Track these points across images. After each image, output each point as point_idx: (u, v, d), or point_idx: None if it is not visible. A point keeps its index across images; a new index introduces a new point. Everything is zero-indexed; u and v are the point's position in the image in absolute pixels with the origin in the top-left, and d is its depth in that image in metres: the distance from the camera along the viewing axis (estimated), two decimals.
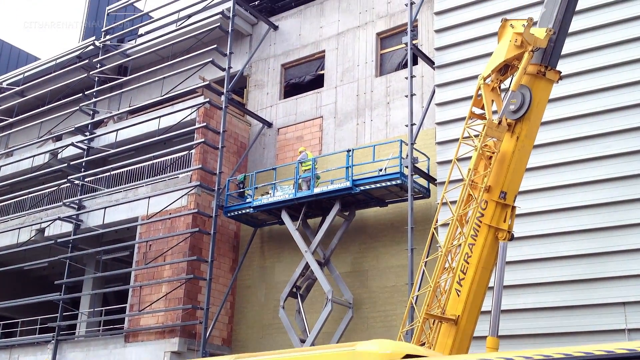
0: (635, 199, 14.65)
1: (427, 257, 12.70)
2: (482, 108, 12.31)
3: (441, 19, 18.56)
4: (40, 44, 75.87)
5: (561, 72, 12.54)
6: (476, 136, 12.24)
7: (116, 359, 21.00)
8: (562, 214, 15.27)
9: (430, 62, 18.98)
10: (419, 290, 12.86)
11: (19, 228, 25.26)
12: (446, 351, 11.40)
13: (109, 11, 27.54)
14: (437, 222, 13.25)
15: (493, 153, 12.00)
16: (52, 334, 23.22)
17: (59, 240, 23.86)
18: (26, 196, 26.65)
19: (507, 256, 11.95)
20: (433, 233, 12.86)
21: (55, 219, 23.94)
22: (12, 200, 27.08)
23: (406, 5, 19.06)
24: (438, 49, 18.38)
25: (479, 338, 12.18)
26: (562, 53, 12.69)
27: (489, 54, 12.98)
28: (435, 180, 17.77)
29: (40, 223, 24.67)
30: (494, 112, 12.11)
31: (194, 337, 20.25)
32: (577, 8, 12.93)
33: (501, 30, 12.45)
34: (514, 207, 12.09)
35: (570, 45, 14.33)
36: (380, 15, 21.83)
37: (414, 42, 18.65)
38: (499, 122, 11.95)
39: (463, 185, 12.10)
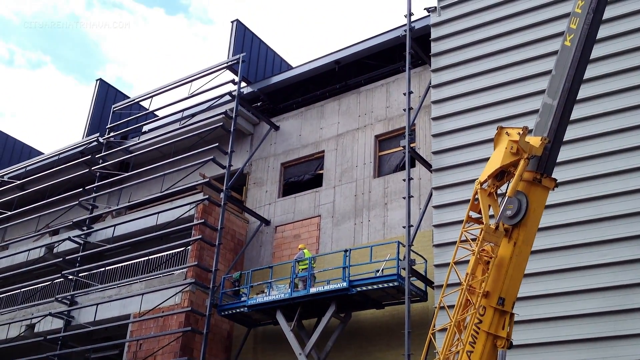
0: (634, 308, 14.46)
1: None
2: (479, 212, 12.35)
3: (438, 124, 19.01)
4: (44, 138, 77.24)
5: (557, 180, 12.68)
6: (473, 240, 12.20)
7: None
8: (561, 322, 15.06)
9: (427, 165, 19.26)
10: None
11: (9, 323, 24.73)
12: None
13: (114, 109, 28.12)
14: (434, 326, 12.97)
15: (491, 258, 11.92)
16: None
17: (48, 337, 23.31)
18: (18, 290, 26.25)
19: None
20: (430, 338, 12.56)
21: (46, 315, 23.50)
22: (4, 295, 26.67)
23: (404, 110, 19.55)
24: (435, 153, 18.73)
25: None
26: (558, 161, 12.87)
27: (485, 159, 13.16)
28: (433, 283, 17.62)
29: (31, 318, 24.19)
30: (491, 217, 12.14)
31: None
32: (572, 118, 13.23)
33: (497, 138, 12.67)
34: (512, 314, 11.88)
35: (566, 153, 14.58)
36: (379, 118, 22.35)
37: (411, 145, 19.02)
38: (496, 227, 11.96)
39: (461, 290, 11.95)
